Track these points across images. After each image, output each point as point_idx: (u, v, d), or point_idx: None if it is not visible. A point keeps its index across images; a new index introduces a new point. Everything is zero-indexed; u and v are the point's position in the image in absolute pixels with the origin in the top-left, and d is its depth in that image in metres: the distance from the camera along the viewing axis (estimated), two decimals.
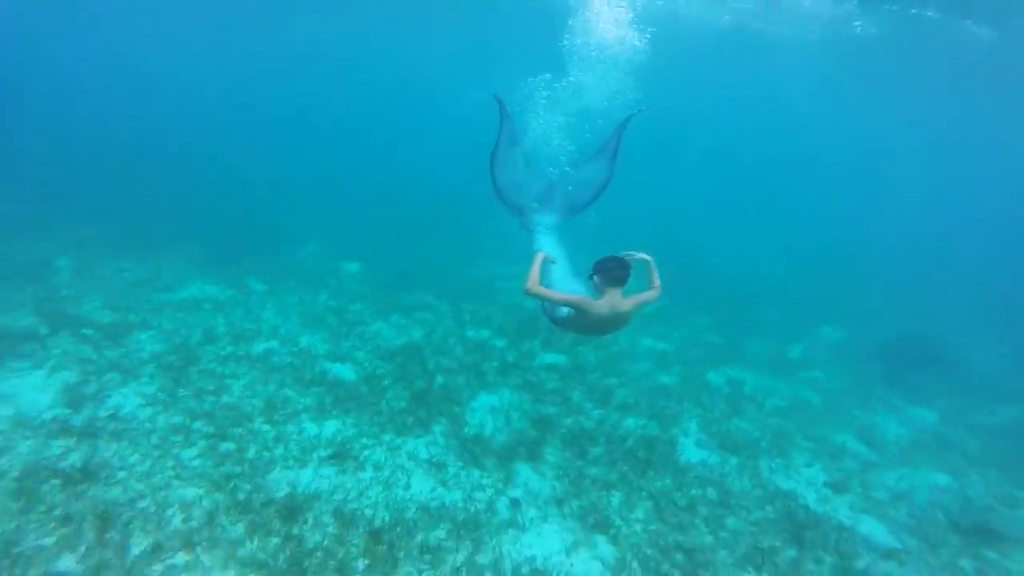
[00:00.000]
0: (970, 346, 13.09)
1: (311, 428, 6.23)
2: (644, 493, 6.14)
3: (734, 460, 7.17)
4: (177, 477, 5.07)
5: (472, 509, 5.44)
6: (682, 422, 7.89)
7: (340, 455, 5.85)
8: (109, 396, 6.12)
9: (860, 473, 7.41)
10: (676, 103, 24.70)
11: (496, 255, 13.95)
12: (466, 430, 6.76)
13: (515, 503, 5.66)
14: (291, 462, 5.61)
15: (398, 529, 4.95)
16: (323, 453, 5.84)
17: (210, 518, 4.64)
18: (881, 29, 17.01)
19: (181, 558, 4.23)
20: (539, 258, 4.99)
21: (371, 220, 15.72)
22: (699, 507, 6.08)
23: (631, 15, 10.34)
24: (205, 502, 4.82)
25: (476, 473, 6.02)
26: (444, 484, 5.76)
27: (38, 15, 32.03)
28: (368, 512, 5.11)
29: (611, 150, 6.72)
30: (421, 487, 5.64)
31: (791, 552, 5.64)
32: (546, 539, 5.26)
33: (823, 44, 19.28)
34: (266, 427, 6.09)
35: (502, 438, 6.74)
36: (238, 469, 5.33)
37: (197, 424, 5.89)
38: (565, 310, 5.04)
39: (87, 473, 4.87)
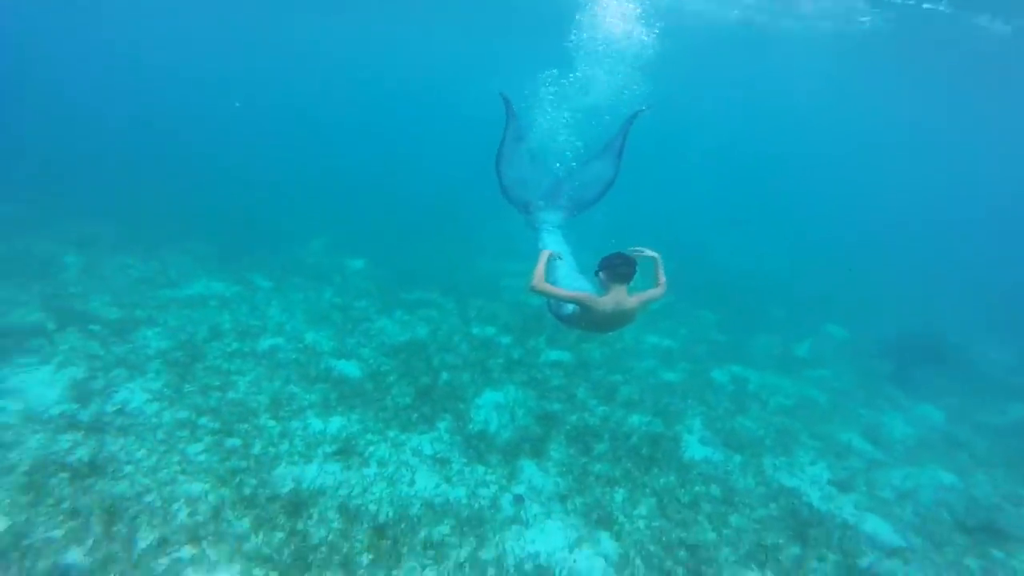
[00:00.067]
0: (977, 344, 13.03)
1: (316, 424, 6.27)
2: (648, 490, 6.14)
3: (738, 457, 7.16)
4: (183, 472, 5.11)
5: (476, 505, 5.46)
6: (686, 419, 7.89)
7: (345, 451, 5.88)
8: (116, 391, 6.16)
9: (865, 471, 7.39)
10: (681, 99, 24.63)
11: (501, 252, 13.97)
12: (471, 426, 6.78)
13: (519, 499, 5.67)
14: (296, 458, 5.65)
15: (402, 525, 4.98)
16: (328, 449, 5.87)
17: (216, 513, 4.68)
18: (890, 24, 16.89)
19: (187, 552, 4.27)
20: (544, 255, 4.98)
21: (376, 217, 15.78)
22: (703, 504, 6.08)
23: (639, 10, 10.30)
24: (211, 497, 4.86)
25: (480, 469, 6.04)
26: (448, 480, 5.78)
27: (42, 14, 32.20)
28: (372, 508, 5.14)
29: (617, 148, 6.72)
30: (425, 483, 5.66)
31: (794, 550, 5.63)
32: (549, 535, 5.28)
33: (830, 39, 19.17)
34: (271, 423, 6.13)
35: (506, 435, 6.75)
36: (244, 464, 5.37)
37: (203, 420, 5.93)
38: (571, 307, 5.04)
39: (94, 467, 4.92)
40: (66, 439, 5.26)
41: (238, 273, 10.40)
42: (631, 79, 8.87)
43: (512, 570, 4.76)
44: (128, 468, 5.02)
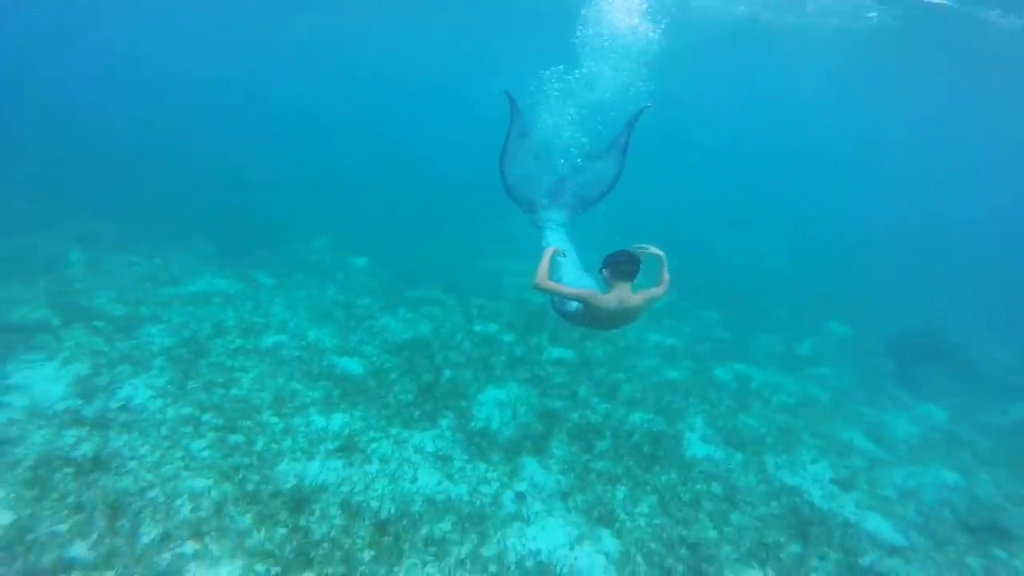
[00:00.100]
0: (979, 343, 12.99)
1: (319, 421, 6.29)
2: (649, 487, 6.15)
3: (740, 456, 7.16)
4: (186, 468, 5.15)
5: (477, 502, 5.48)
6: (688, 417, 7.89)
7: (347, 448, 5.90)
8: (120, 388, 6.20)
9: (867, 470, 7.39)
10: (684, 96, 24.58)
11: (503, 250, 13.99)
12: (473, 424, 6.80)
13: (520, 496, 5.69)
14: (299, 454, 5.67)
15: (404, 521, 5.00)
16: (330, 446, 5.89)
17: (218, 508, 4.71)
18: (896, 20, 16.79)
19: (190, 547, 4.30)
20: (548, 252, 4.98)
21: (379, 215, 15.80)
22: (704, 502, 6.09)
23: (644, 5, 10.26)
24: (214, 493, 4.89)
25: (482, 466, 6.06)
26: (450, 477, 5.80)
27: (43, 13, 32.30)
28: (374, 504, 5.16)
29: (621, 146, 6.72)
30: (427, 480, 5.68)
31: (795, 548, 5.63)
32: (550, 532, 5.29)
33: (835, 35, 19.08)
34: (274, 419, 6.16)
35: (509, 432, 6.77)
36: (246, 461, 5.40)
37: (206, 416, 5.97)
38: (574, 304, 5.05)
39: (99, 463, 4.95)
40: (70, 435, 5.30)
41: (241, 270, 10.44)
42: (636, 75, 8.86)
43: (513, 567, 4.78)
44: (132, 464, 5.06)
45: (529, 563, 4.85)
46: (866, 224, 26.83)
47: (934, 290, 17.62)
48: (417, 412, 6.80)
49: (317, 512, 4.92)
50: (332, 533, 4.71)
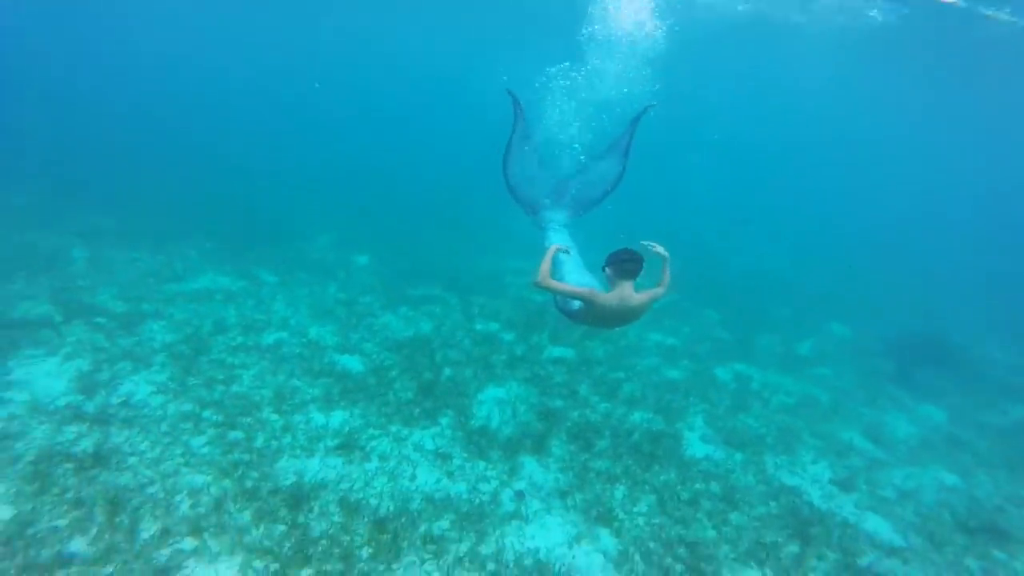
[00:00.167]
0: (979, 344, 12.98)
1: (318, 418, 6.31)
2: (648, 487, 6.16)
3: (739, 456, 7.17)
4: (186, 464, 5.16)
5: (476, 500, 5.49)
6: (688, 417, 7.90)
7: (347, 445, 5.91)
8: (121, 384, 6.22)
9: (866, 471, 7.39)
10: (686, 95, 24.54)
11: (505, 249, 14.00)
12: (472, 422, 6.81)
13: (519, 495, 5.70)
14: (298, 451, 5.69)
15: (402, 519, 5.01)
16: (330, 443, 5.91)
17: (218, 505, 4.73)
18: (900, 19, 16.75)
19: (189, 543, 4.31)
20: (550, 251, 5.00)
21: (382, 214, 15.82)
22: (703, 501, 6.09)
23: (651, 4, 10.27)
24: (213, 489, 4.91)
25: (481, 465, 6.07)
26: (449, 475, 5.81)
27: (44, 7, 32.33)
28: (373, 502, 5.17)
29: (623, 146, 6.73)
30: (426, 478, 5.70)
31: (794, 548, 5.64)
32: (549, 531, 5.30)
33: (840, 34, 19.03)
34: (274, 417, 6.17)
35: (508, 430, 6.78)
36: (246, 457, 5.41)
37: (207, 412, 5.99)
38: (577, 303, 5.07)
39: (99, 458, 4.97)
40: (71, 430, 5.32)
41: (244, 267, 10.46)
42: (641, 73, 8.88)
43: (511, 565, 4.79)
44: (132, 459, 5.07)
45: (527, 561, 4.86)
46: (867, 224, 26.80)
47: (934, 290, 17.60)
48: (417, 410, 6.81)
49: (316, 509, 4.93)
50: (331, 530, 4.72)
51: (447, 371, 7.92)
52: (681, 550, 5.33)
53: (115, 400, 5.91)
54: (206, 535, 4.41)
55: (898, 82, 25.05)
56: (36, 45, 31.74)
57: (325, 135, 27.86)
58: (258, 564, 4.26)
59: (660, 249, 5.10)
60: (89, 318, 7.46)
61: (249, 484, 5.05)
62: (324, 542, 4.58)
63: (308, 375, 7.17)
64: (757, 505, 6.23)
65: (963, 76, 21.08)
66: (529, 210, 6.93)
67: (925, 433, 8.91)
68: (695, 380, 9.17)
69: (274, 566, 4.27)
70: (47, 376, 6.13)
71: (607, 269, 4.77)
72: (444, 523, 5.09)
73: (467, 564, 4.70)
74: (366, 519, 4.93)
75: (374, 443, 6.07)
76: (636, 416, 7.64)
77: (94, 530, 4.24)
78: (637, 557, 5.14)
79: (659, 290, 4.97)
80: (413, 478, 5.65)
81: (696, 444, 7.29)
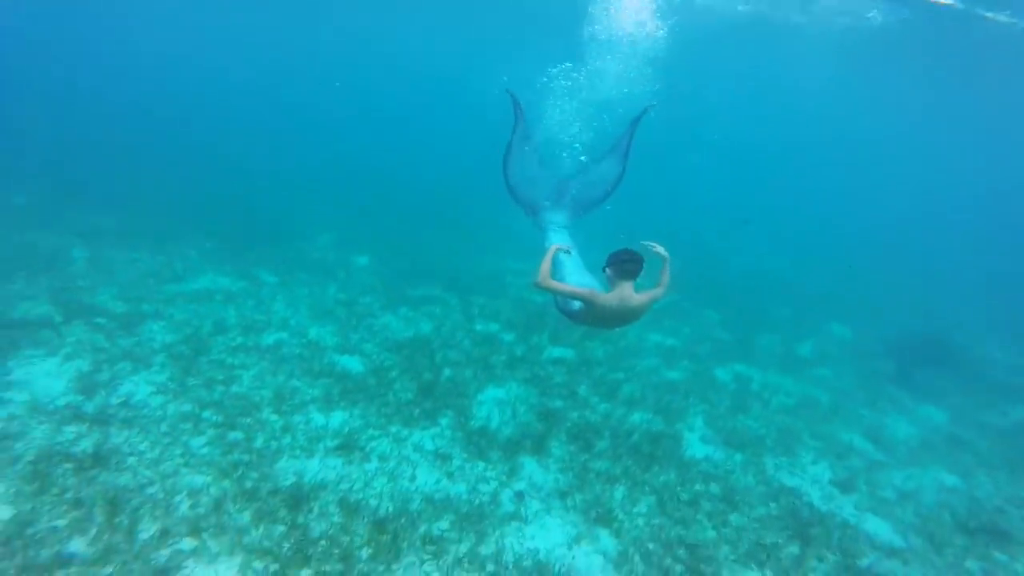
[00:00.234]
0: (980, 345, 12.98)
1: (318, 419, 6.31)
2: (648, 487, 6.15)
3: (739, 456, 7.16)
4: (186, 464, 5.16)
5: (476, 501, 5.48)
6: (688, 417, 7.89)
7: (346, 446, 5.91)
8: (121, 384, 6.21)
9: (867, 472, 7.39)
10: (686, 95, 24.54)
11: (505, 250, 13.99)
12: (472, 423, 6.81)
13: (519, 495, 5.70)
14: (298, 452, 5.68)
15: (402, 519, 5.01)
16: (330, 443, 5.90)
17: (217, 505, 4.72)
18: (900, 21, 16.75)
19: (188, 543, 4.31)
20: (550, 252, 5.01)
21: (382, 214, 15.82)
22: (702, 502, 6.09)
23: (653, 5, 10.29)
24: (213, 489, 4.90)
25: (481, 465, 6.07)
26: (449, 476, 5.81)
27: (44, 6, 32.31)
28: (373, 502, 5.17)
29: (623, 148, 6.74)
30: (426, 478, 5.69)
31: (794, 549, 5.64)
32: (549, 531, 5.30)
33: (840, 35, 19.04)
34: (274, 417, 6.17)
35: (508, 431, 6.78)
36: (246, 458, 5.41)
37: (206, 413, 5.98)
38: (577, 303, 5.08)
39: (98, 459, 4.97)
40: (71, 430, 5.31)
41: (244, 268, 10.45)
42: (642, 73, 8.89)
43: (511, 566, 4.79)
44: (131, 460, 5.07)
45: (527, 562, 4.86)
46: (867, 224, 26.80)
47: (934, 291, 17.60)
48: (417, 410, 6.81)
49: (316, 510, 4.93)
50: (330, 531, 4.72)
51: (447, 371, 7.91)
52: (681, 551, 5.33)
53: (115, 400, 5.91)
54: (205, 535, 4.41)
55: (898, 83, 25.06)
56: (36, 45, 31.74)
57: (325, 135, 27.85)
58: (258, 565, 4.26)
59: (660, 249, 5.11)
60: (89, 318, 7.45)
61: (249, 484, 5.05)
62: (324, 543, 4.58)
63: (308, 375, 7.17)
64: (757, 506, 6.22)
65: (963, 77, 21.09)
66: (529, 211, 6.94)
67: (925, 434, 8.90)
68: (695, 381, 9.17)
69: (274, 567, 4.27)
70: (47, 376, 6.12)
71: (607, 269, 4.78)
72: (444, 524, 5.09)
73: (467, 565, 4.70)
74: (366, 520, 4.93)
75: (374, 444, 6.07)
76: (636, 417, 7.63)
77: (93, 530, 4.24)
78: (637, 558, 5.14)
79: (658, 291, 4.98)
80: (413, 479, 5.65)
81: (696, 445, 7.29)
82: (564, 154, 7.38)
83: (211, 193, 14.78)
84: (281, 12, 31.39)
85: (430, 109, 40.36)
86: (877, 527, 6.30)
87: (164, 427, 5.62)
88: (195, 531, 4.42)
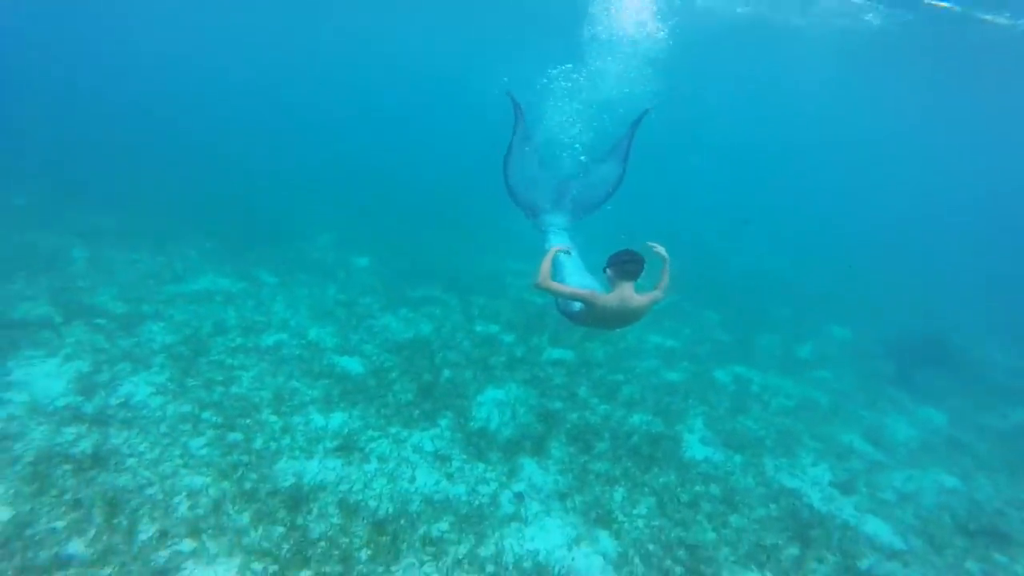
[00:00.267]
0: (980, 346, 12.98)
1: (318, 420, 6.30)
2: (647, 489, 6.15)
3: (739, 458, 7.16)
4: (185, 465, 5.15)
5: (476, 502, 5.48)
6: (688, 419, 7.89)
7: (346, 447, 5.91)
8: (120, 385, 6.21)
9: (867, 473, 7.38)
10: (686, 96, 24.56)
11: (505, 250, 13.99)
12: (472, 424, 6.80)
13: (519, 497, 5.69)
14: (297, 453, 5.68)
15: (401, 521, 5.00)
16: (329, 444, 5.90)
17: (216, 506, 4.72)
18: (900, 22, 16.77)
19: (187, 544, 4.30)
20: (550, 253, 5.02)
21: (381, 214, 15.81)
22: (702, 504, 6.08)
23: (653, 6, 10.29)
24: (212, 490, 4.90)
25: (480, 466, 6.06)
26: (448, 477, 5.80)
27: (43, 5, 32.28)
28: (372, 503, 5.16)
29: (623, 150, 6.74)
30: (425, 479, 5.69)
31: (794, 550, 5.63)
32: (548, 533, 5.29)
33: (839, 37, 19.05)
34: (273, 418, 6.16)
35: (507, 432, 6.77)
36: (245, 459, 5.40)
37: (206, 414, 5.97)
38: (578, 304, 5.08)
39: (97, 459, 4.96)
40: (70, 431, 5.31)
41: (244, 268, 10.44)
42: (642, 75, 8.89)
43: (511, 567, 4.78)
44: (130, 461, 5.07)
45: (527, 564, 4.85)
46: (867, 225, 26.80)
47: (934, 292, 17.60)
48: (416, 412, 6.81)
49: (315, 511, 4.92)
50: (330, 532, 4.71)
51: (447, 373, 7.91)
52: (681, 552, 5.32)
53: (114, 401, 5.90)
54: (205, 536, 4.40)
55: (897, 84, 25.08)
56: (36, 45, 31.73)
57: (325, 135, 27.84)
58: (257, 566, 4.25)
59: (661, 251, 5.11)
60: (89, 319, 7.45)
61: (248, 485, 5.04)
62: (323, 544, 4.57)
63: (307, 376, 7.16)
64: (757, 507, 6.22)
65: (962, 78, 21.10)
66: (529, 213, 6.94)
67: (925, 436, 8.90)
68: (695, 382, 9.17)
69: (273, 568, 4.26)
70: (46, 377, 6.12)
71: (608, 270, 4.78)
72: (443, 525, 5.09)
73: (466, 566, 4.69)
74: (365, 521, 4.92)
75: (373, 445, 6.06)
76: (635, 418, 7.63)
77: (92, 531, 4.23)
78: (636, 559, 5.13)
79: (658, 293, 4.98)
80: (412, 480, 5.64)
81: (696, 446, 7.29)
82: (564, 155, 7.38)
83: (211, 193, 14.77)
84: (281, 12, 31.39)
85: (430, 109, 40.38)
86: (877, 529, 6.30)
87: (163, 428, 5.62)
88: (194, 532, 4.41)
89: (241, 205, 14.30)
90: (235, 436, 5.72)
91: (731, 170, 32.94)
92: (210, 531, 4.46)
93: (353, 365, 7.71)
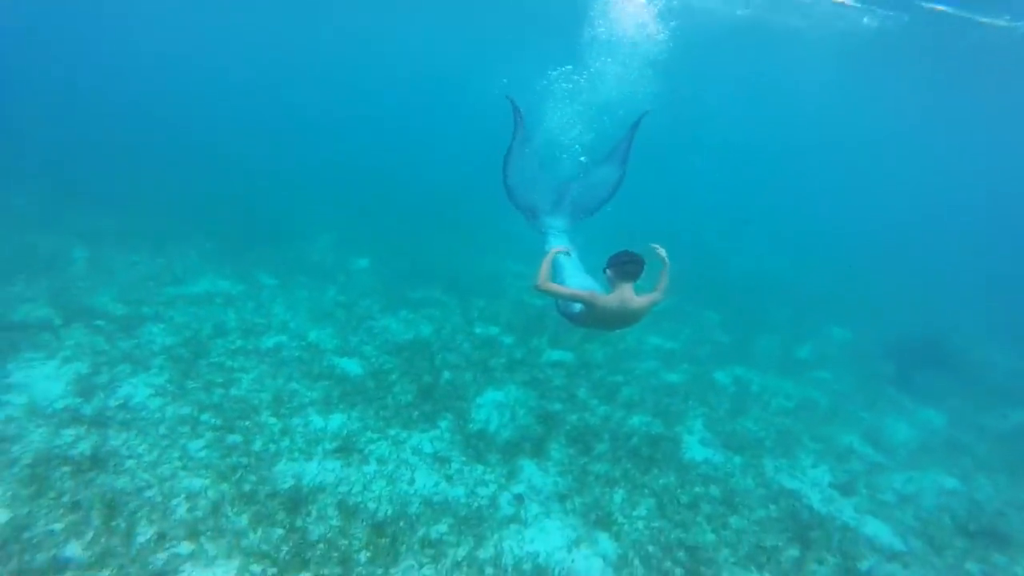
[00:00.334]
0: (980, 347, 12.96)
1: (317, 421, 6.29)
2: (647, 490, 6.14)
3: (738, 459, 7.15)
4: (184, 467, 5.15)
5: (475, 504, 5.48)
6: (687, 420, 7.88)
7: (345, 448, 5.90)
8: (120, 387, 6.20)
9: (866, 474, 7.38)
10: (685, 97, 24.56)
11: (505, 251, 13.98)
12: (471, 425, 6.79)
13: (518, 499, 5.68)
14: (296, 455, 5.67)
15: (401, 523, 5.00)
16: (328, 446, 5.89)
17: (215, 508, 4.71)
18: (897, 25, 16.78)
19: (185, 547, 4.30)
20: (550, 255, 5.02)
21: (381, 215, 15.79)
22: (702, 505, 6.08)
23: (653, 8, 10.30)
24: (211, 492, 4.89)
25: (480, 468, 6.05)
26: (448, 479, 5.80)
27: (43, 6, 32.28)
28: (371, 505, 5.16)
29: (622, 152, 6.74)
30: (425, 481, 5.68)
31: (794, 552, 5.63)
32: (548, 535, 5.29)
33: (836, 39, 19.06)
34: (273, 420, 6.15)
35: (507, 434, 6.77)
36: (244, 461, 5.40)
37: (205, 416, 5.97)
38: (578, 305, 5.08)
39: (96, 461, 4.96)
40: (69, 433, 5.30)
41: (244, 270, 10.43)
42: (642, 76, 8.90)
43: (510, 569, 4.78)
44: (129, 463, 5.06)
45: (526, 566, 4.85)
46: (867, 226, 26.80)
47: (934, 293, 17.60)
48: (416, 413, 6.80)
49: (314, 513, 4.92)
50: (329, 534, 4.71)
51: (446, 374, 7.90)
52: (681, 554, 5.32)
53: (113, 403, 5.90)
54: (203, 539, 4.40)
55: (897, 86, 25.08)
56: (36, 45, 31.73)
57: (325, 136, 27.82)
58: (256, 568, 4.25)
59: (662, 253, 5.11)
60: (88, 320, 7.44)
61: (247, 487, 5.04)
62: (322, 546, 4.57)
63: (307, 378, 7.15)
64: (757, 509, 6.22)
65: (962, 79, 21.10)
66: (529, 215, 6.93)
67: (925, 437, 8.90)
68: (694, 383, 9.16)
69: (272, 570, 4.26)
70: (46, 379, 6.11)
71: (608, 271, 4.78)
72: (442, 527, 5.08)
73: (465, 568, 4.68)
74: (364, 523, 4.92)
75: (372, 446, 6.06)
76: (635, 420, 7.63)
77: (90, 534, 4.23)
78: (636, 561, 5.13)
79: (657, 295, 4.98)
80: (411, 481, 5.64)
81: (695, 447, 7.28)
82: (564, 156, 7.37)
83: (211, 194, 14.75)
84: (281, 12, 31.41)
85: (430, 110, 40.35)
86: (877, 530, 6.29)
87: (162, 430, 5.61)
88: (193, 534, 4.41)
89: (241, 206, 14.28)
90: (234, 438, 5.71)
91: (731, 171, 32.92)
92: (209, 533, 4.46)
93: (352, 367, 7.70)
